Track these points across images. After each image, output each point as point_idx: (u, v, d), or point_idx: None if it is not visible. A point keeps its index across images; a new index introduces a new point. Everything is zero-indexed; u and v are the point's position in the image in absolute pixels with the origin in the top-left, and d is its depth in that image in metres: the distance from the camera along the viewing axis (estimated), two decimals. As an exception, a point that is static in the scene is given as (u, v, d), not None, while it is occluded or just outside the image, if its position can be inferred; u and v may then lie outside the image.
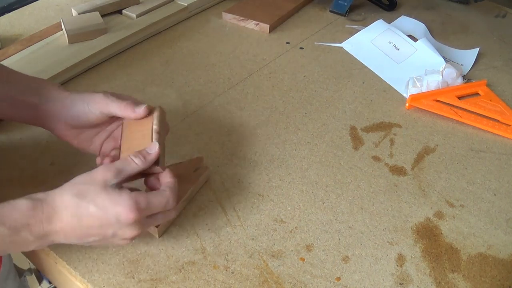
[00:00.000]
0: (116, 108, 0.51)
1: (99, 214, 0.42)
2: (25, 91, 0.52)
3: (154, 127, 0.51)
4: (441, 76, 0.80)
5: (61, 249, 0.51)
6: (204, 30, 0.94)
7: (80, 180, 0.43)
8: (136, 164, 0.46)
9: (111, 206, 0.42)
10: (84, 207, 0.42)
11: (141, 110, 0.51)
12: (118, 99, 0.51)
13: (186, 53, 0.86)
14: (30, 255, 0.58)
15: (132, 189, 0.45)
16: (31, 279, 1.07)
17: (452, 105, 0.77)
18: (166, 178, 0.49)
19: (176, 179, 0.49)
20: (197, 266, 0.51)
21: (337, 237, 0.56)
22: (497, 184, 0.65)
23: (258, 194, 0.60)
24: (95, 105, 0.51)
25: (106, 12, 0.89)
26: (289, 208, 0.59)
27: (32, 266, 1.06)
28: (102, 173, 0.43)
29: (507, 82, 0.87)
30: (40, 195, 0.42)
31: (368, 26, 0.96)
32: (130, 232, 0.44)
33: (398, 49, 0.91)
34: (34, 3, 0.96)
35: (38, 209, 0.41)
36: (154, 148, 0.48)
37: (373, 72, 0.86)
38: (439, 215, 0.60)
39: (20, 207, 0.41)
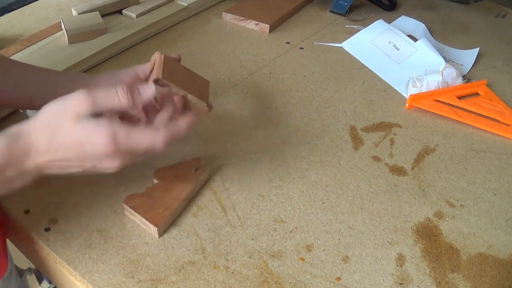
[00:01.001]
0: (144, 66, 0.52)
1: (74, 146, 0.40)
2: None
3: (155, 70, 0.50)
4: (441, 76, 0.80)
5: (61, 249, 0.51)
6: (204, 30, 0.94)
7: (53, 110, 0.40)
8: (118, 100, 0.40)
9: (85, 138, 0.39)
10: (59, 141, 0.40)
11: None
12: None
13: (186, 53, 0.86)
14: (30, 255, 0.58)
15: (121, 118, 0.41)
16: (31, 279, 1.07)
17: (452, 105, 0.77)
18: (165, 113, 0.44)
19: (183, 117, 0.45)
20: (197, 266, 0.51)
21: (337, 237, 0.56)
22: (497, 184, 0.65)
23: (258, 194, 0.60)
24: (130, 68, 0.53)
25: (106, 12, 0.89)
26: (289, 208, 0.59)
27: (32, 266, 1.06)
28: (77, 103, 0.39)
29: (507, 82, 0.87)
30: (14, 129, 0.40)
31: (368, 26, 0.96)
32: (110, 164, 0.41)
33: (398, 49, 0.91)
34: (34, 3, 0.96)
35: (14, 146, 0.39)
36: (147, 91, 0.42)
37: (373, 72, 0.86)
38: (439, 215, 0.60)
39: None
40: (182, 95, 0.51)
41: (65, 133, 0.39)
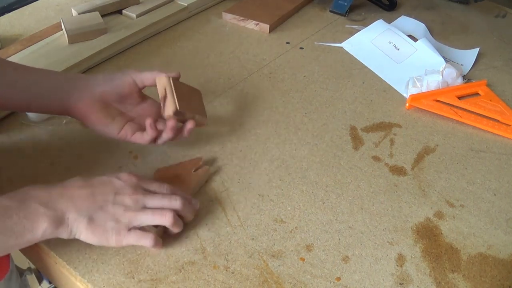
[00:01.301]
0: (148, 73, 0.56)
1: (102, 179, 0.48)
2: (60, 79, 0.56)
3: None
4: (441, 76, 0.80)
5: (61, 249, 0.51)
6: (204, 30, 0.94)
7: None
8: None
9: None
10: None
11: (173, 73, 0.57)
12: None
13: (186, 53, 0.86)
14: (30, 255, 0.58)
15: None
16: (31, 279, 1.07)
17: (452, 105, 0.77)
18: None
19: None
20: (197, 266, 0.51)
21: (337, 237, 0.56)
22: (497, 184, 0.65)
23: (258, 194, 0.60)
24: (128, 73, 0.55)
25: (106, 12, 0.89)
26: (289, 208, 0.59)
27: (32, 266, 1.06)
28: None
29: (507, 82, 0.87)
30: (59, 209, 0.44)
31: (368, 26, 0.96)
32: (130, 192, 0.47)
33: (398, 49, 0.91)
34: (34, 3, 0.96)
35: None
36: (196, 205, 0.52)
37: (373, 72, 0.86)
38: (439, 215, 0.60)
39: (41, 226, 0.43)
40: (191, 118, 0.57)
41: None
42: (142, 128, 0.58)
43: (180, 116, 0.56)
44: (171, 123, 0.55)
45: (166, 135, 0.56)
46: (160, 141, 0.57)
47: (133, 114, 0.59)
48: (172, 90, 0.54)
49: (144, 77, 0.56)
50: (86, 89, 0.55)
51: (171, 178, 0.58)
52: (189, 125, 0.57)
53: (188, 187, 0.57)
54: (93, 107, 0.55)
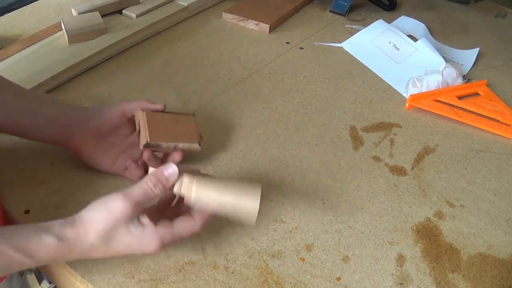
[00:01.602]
0: (135, 103, 0.56)
1: (126, 250, 0.44)
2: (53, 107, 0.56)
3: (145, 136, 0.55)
4: (441, 76, 0.80)
5: (61, 249, 0.51)
6: (204, 30, 0.94)
7: (101, 219, 0.43)
8: (153, 193, 0.44)
9: (136, 245, 0.44)
10: (113, 248, 0.43)
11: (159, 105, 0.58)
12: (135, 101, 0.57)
13: (186, 53, 0.86)
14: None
15: (155, 219, 0.45)
16: (31, 279, 1.07)
17: (452, 105, 0.77)
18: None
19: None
20: (197, 266, 0.51)
21: (337, 237, 0.56)
22: (497, 184, 0.65)
23: (258, 194, 0.60)
24: (117, 105, 0.56)
25: (106, 12, 0.89)
26: (289, 208, 0.59)
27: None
28: (122, 211, 0.42)
29: (507, 82, 0.87)
30: (67, 232, 0.42)
31: (368, 26, 0.96)
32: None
33: (398, 49, 0.91)
34: (34, 3, 0.96)
35: (65, 248, 0.42)
36: (171, 173, 0.45)
37: (373, 72, 0.86)
38: (439, 215, 0.60)
39: (47, 243, 0.41)
40: (173, 148, 0.56)
41: (117, 242, 0.43)
42: (134, 159, 0.59)
43: (154, 148, 0.55)
44: (145, 155, 0.54)
45: (140, 170, 0.58)
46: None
47: (126, 144, 0.59)
48: (145, 123, 0.55)
49: (133, 107, 0.57)
50: (80, 126, 0.56)
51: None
52: (175, 156, 0.57)
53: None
54: (86, 144, 0.56)
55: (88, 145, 0.56)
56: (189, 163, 0.63)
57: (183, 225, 0.45)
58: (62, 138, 0.56)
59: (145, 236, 0.43)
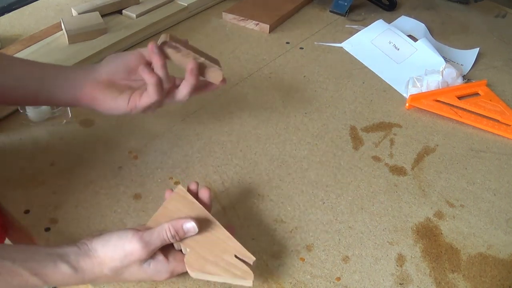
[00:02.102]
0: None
1: (136, 280, 0.48)
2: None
3: None
4: (441, 76, 0.80)
5: (61, 249, 0.51)
6: (204, 30, 0.94)
7: (117, 257, 0.45)
8: (168, 239, 0.46)
9: (147, 278, 0.47)
10: (122, 278, 0.46)
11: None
12: None
13: (186, 53, 0.86)
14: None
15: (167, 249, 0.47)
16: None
17: (452, 105, 0.77)
18: None
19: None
20: (197, 266, 0.51)
21: (337, 237, 0.56)
22: (497, 184, 0.65)
23: (258, 194, 0.60)
24: (137, 50, 0.54)
25: (106, 12, 0.89)
26: (289, 208, 0.59)
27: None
28: (138, 255, 0.45)
29: (507, 82, 0.87)
30: (82, 263, 0.44)
31: (368, 26, 0.96)
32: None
33: (398, 49, 0.91)
34: (34, 3, 0.96)
35: (79, 277, 0.44)
36: (188, 227, 0.46)
37: (373, 72, 0.86)
38: (439, 215, 0.60)
39: (63, 271, 0.43)
40: (193, 58, 0.53)
41: (129, 275, 0.46)
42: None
43: (171, 48, 0.52)
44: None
45: (186, 82, 0.54)
46: (180, 95, 0.55)
47: (144, 87, 0.55)
48: (167, 35, 0.52)
49: (144, 51, 0.54)
50: (89, 75, 0.54)
51: None
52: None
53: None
54: (98, 88, 0.54)
55: (100, 90, 0.54)
56: (189, 165, 0.63)
57: None
58: (74, 92, 0.54)
59: (157, 270, 0.46)
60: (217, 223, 0.48)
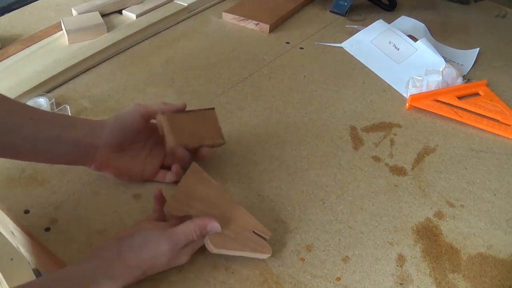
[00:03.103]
0: (154, 107, 0.56)
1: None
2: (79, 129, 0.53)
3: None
4: (441, 76, 0.80)
5: (62, 249, 0.51)
6: (204, 30, 0.94)
7: (148, 257, 0.46)
8: (193, 239, 0.48)
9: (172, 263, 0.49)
10: (147, 275, 0.47)
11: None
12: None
13: (186, 53, 0.86)
14: (30, 255, 0.58)
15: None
16: (31, 279, 1.07)
17: (452, 105, 0.77)
18: None
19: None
20: (197, 266, 0.51)
21: (337, 237, 0.56)
22: (497, 184, 0.65)
23: (258, 194, 0.60)
24: (135, 112, 0.55)
25: (106, 12, 0.89)
26: (289, 208, 0.59)
27: (32, 266, 1.06)
28: (167, 254, 0.46)
29: (507, 82, 0.86)
30: (115, 272, 0.44)
31: (368, 26, 0.96)
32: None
33: (398, 49, 0.91)
34: (34, 3, 0.96)
35: (115, 285, 0.45)
36: (213, 227, 0.49)
37: (373, 72, 0.86)
38: (439, 215, 0.60)
39: (105, 286, 0.43)
40: (198, 146, 0.57)
41: (152, 271, 0.48)
42: (161, 158, 0.59)
43: (180, 149, 0.56)
44: (174, 169, 0.57)
45: (172, 177, 0.59)
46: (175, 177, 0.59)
47: (149, 147, 0.59)
48: (168, 127, 0.55)
49: (151, 111, 0.56)
50: (101, 146, 0.54)
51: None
52: (203, 151, 0.59)
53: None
54: (110, 161, 0.55)
55: (113, 161, 0.55)
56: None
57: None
58: (85, 160, 0.54)
59: (179, 254, 0.48)
60: (234, 200, 0.51)
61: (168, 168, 0.59)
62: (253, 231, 0.51)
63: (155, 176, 0.59)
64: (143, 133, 0.57)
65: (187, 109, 0.60)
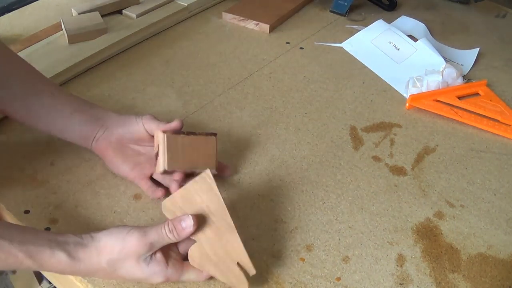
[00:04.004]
0: (156, 124, 0.56)
1: (130, 279, 0.48)
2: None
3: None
4: (441, 76, 0.80)
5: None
6: (204, 30, 0.94)
7: (116, 249, 0.45)
8: (168, 238, 0.46)
9: (143, 277, 0.47)
10: (117, 274, 0.46)
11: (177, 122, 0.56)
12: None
13: (186, 53, 0.86)
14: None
15: (164, 250, 0.47)
16: (31, 279, 1.07)
17: (452, 105, 0.77)
18: None
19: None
20: (197, 266, 0.51)
21: (337, 237, 0.56)
22: (497, 184, 0.65)
23: (258, 194, 0.60)
24: (143, 120, 0.57)
25: (106, 12, 0.89)
26: (289, 208, 0.59)
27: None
28: (135, 248, 0.45)
29: (507, 82, 0.86)
30: (80, 253, 0.44)
31: (368, 26, 0.96)
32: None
33: (398, 49, 0.91)
34: (34, 3, 0.96)
35: (75, 266, 0.44)
36: (187, 223, 0.46)
37: (373, 72, 0.86)
38: (439, 215, 0.60)
39: (59, 259, 0.44)
40: (190, 171, 0.56)
41: (125, 271, 0.46)
42: (151, 171, 0.59)
43: (170, 174, 0.56)
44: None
45: (156, 194, 0.58)
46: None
47: (147, 156, 0.59)
48: (164, 148, 0.54)
49: (153, 127, 0.57)
50: (106, 131, 0.58)
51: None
52: (227, 172, 0.61)
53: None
54: (108, 149, 0.58)
55: (111, 150, 0.58)
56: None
57: (190, 276, 0.48)
58: (89, 141, 0.58)
59: (154, 272, 0.46)
60: (232, 224, 0.47)
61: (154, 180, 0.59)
62: (237, 263, 0.47)
63: (140, 180, 0.58)
64: (147, 140, 0.58)
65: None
